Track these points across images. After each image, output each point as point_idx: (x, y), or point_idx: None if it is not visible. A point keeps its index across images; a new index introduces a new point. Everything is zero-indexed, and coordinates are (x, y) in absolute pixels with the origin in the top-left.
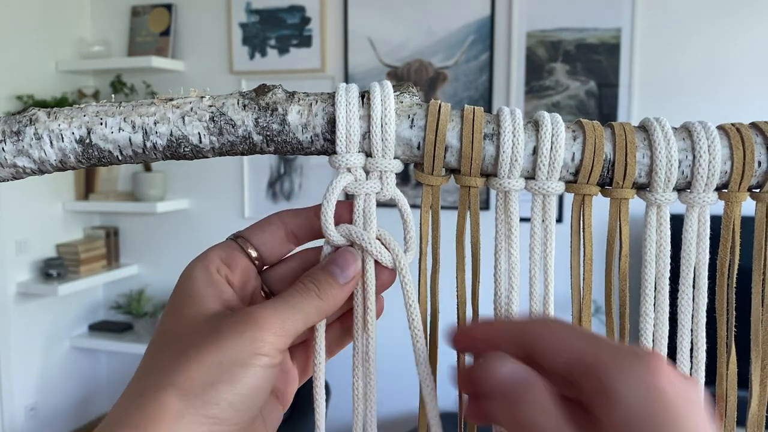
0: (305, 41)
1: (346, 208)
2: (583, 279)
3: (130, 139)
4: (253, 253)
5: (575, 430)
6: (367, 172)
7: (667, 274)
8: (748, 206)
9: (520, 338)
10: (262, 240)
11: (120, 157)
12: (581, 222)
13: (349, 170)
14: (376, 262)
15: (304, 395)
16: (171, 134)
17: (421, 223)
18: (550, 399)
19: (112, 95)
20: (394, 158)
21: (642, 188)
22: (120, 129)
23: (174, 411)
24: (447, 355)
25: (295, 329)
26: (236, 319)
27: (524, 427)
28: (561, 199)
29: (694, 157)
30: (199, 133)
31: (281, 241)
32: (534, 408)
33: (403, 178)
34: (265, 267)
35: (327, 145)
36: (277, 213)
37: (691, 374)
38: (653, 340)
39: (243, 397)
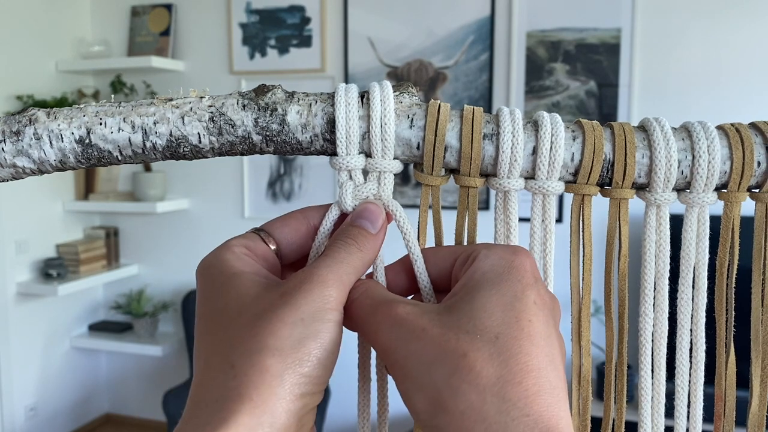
0: (305, 41)
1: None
2: (583, 279)
3: (129, 140)
4: (273, 247)
5: (408, 302)
6: (365, 174)
7: (667, 274)
8: (747, 206)
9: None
10: (283, 234)
11: (120, 158)
12: (581, 222)
13: (349, 175)
14: None
15: None
16: (170, 134)
17: (419, 223)
18: (380, 287)
19: (112, 95)
20: (394, 158)
21: (641, 188)
22: (119, 129)
23: (274, 373)
24: None
25: (350, 282)
26: (300, 279)
27: (358, 317)
28: (561, 199)
29: (693, 157)
30: (198, 133)
31: (302, 237)
32: (364, 292)
33: (403, 178)
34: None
35: (326, 145)
36: (299, 209)
37: (690, 374)
38: (652, 340)
39: (328, 353)
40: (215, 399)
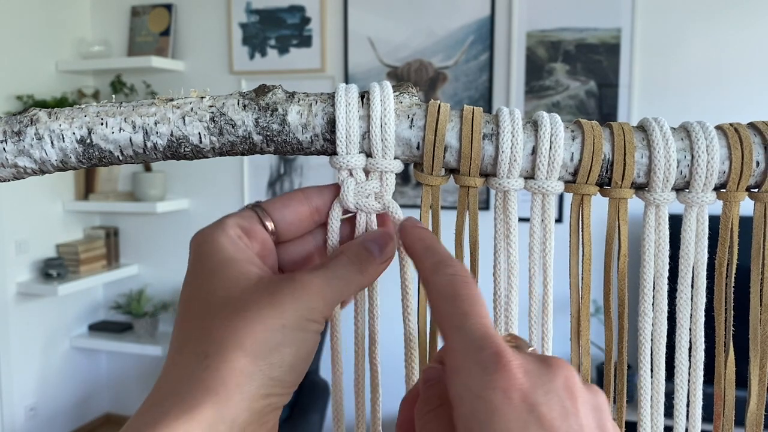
0: (305, 41)
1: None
2: (582, 279)
3: (130, 140)
4: (270, 226)
5: None
6: (366, 173)
7: (666, 274)
8: (746, 206)
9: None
10: (282, 215)
11: (120, 158)
12: (580, 222)
13: (350, 173)
14: None
15: (304, 395)
16: (171, 134)
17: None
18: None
19: (112, 95)
20: (394, 158)
21: (641, 188)
22: (120, 129)
23: (245, 372)
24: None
25: (339, 299)
26: (292, 285)
27: None
28: (560, 199)
29: (692, 157)
30: (199, 133)
31: (301, 218)
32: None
33: (403, 178)
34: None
35: (327, 145)
36: (300, 189)
37: (689, 374)
38: (652, 339)
39: (301, 361)
40: (182, 387)
